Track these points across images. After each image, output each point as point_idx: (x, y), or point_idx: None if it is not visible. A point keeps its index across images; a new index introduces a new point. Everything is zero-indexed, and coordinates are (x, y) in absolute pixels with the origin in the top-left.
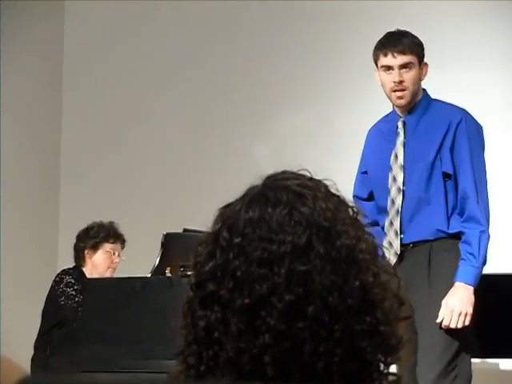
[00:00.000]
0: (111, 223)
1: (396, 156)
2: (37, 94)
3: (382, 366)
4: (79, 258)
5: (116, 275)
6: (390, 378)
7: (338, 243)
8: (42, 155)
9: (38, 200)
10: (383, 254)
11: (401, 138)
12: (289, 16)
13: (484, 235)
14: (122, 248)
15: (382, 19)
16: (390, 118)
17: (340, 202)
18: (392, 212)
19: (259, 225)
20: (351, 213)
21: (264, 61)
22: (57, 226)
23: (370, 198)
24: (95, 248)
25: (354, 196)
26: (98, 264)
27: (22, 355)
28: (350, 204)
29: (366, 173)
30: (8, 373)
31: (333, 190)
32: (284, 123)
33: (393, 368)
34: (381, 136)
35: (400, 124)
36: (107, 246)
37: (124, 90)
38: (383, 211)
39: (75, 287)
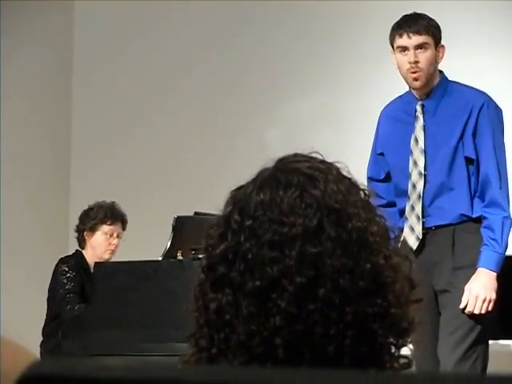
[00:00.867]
0: (112, 203)
1: (416, 140)
2: (47, 82)
3: (393, 349)
4: (80, 239)
5: (128, 259)
6: (402, 360)
7: (349, 226)
8: (53, 138)
9: (49, 182)
10: (395, 236)
11: (420, 122)
12: (300, 2)
13: (507, 221)
14: (124, 229)
15: (391, 5)
16: (405, 100)
17: (351, 184)
18: (413, 197)
19: (270, 207)
20: (363, 195)
21: (275, 46)
22: (67, 208)
23: (386, 179)
24: (93, 230)
25: (369, 177)
26: (95, 246)
27: (28, 339)
28: (362, 186)
29: (381, 154)
30: (9, 354)
31: (344, 173)
32: (295, 107)
33: (405, 350)
34: (396, 118)
35: (419, 107)
36: (105, 228)
37: (135, 76)
38: (403, 194)
39: (67, 275)
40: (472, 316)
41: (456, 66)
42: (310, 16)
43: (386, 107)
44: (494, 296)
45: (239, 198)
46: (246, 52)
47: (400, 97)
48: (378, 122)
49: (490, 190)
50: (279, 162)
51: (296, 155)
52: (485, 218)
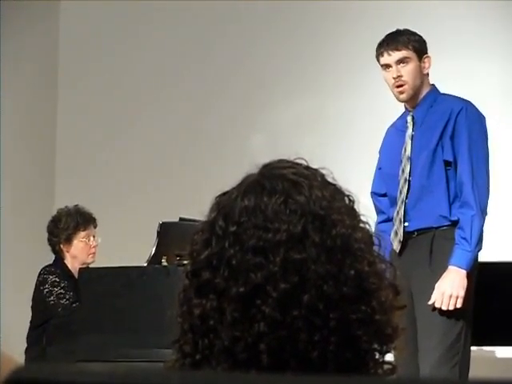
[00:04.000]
0: (77, 208)
1: (405, 149)
2: (33, 90)
3: (377, 355)
4: (56, 251)
5: (112, 264)
6: (386, 366)
7: (333, 232)
8: (38, 143)
9: (34, 189)
10: (379, 243)
11: (409, 132)
12: (284, 7)
13: (476, 219)
14: (95, 227)
15: (376, 8)
16: (403, 115)
17: (336, 190)
18: (399, 202)
19: (255, 213)
20: (347, 202)
21: (260, 51)
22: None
23: (387, 193)
24: (69, 240)
25: (372, 192)
26: (76, 254)
27: (20, 350)
28: (347, 193)
29: (381, 169)
30: (7, 368)
31: (329, 179)
32: (280, 113)
33: (389, 357)
34: (394, 132)
35: (409, 118)
36: (81, 235)
37: (120, 81)
38: (395, 203)
39: (62, 285)
40: (448, 319)
41: (443, 70)
42: (295, 21)
43: (390, 125)
44: (461, 293)
45: (224, 204)
46: (230, 57)
47: (402, 113)
48: (383, 140)
49: (464, 190)
50: (264, 167)
51: (281, 161)
52: (458, 218)
